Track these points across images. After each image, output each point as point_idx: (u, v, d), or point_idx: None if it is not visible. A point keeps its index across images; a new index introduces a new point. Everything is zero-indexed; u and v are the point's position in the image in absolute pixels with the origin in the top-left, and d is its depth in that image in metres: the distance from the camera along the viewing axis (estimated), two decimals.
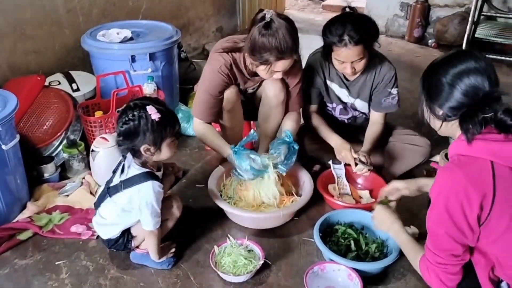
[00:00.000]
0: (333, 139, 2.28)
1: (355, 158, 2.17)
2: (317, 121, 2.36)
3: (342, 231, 1.89)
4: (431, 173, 2.38)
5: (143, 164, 1.67)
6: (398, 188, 1.83)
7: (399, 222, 1.65)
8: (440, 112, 1.37)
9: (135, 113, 1.58)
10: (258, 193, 2.01)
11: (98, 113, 2.37)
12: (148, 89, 2.52)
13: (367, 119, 2.43)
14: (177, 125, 1.67)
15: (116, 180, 1.69)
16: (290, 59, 1.92)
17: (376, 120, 2.33)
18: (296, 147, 2.08)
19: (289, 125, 2.22)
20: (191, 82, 3.05)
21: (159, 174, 1.73)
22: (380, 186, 2.17)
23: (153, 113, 1.57)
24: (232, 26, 4.76)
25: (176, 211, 1.83)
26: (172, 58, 2.72)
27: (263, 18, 1.85)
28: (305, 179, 2.13)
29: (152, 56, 2.55)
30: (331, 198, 2.10)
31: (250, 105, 2.33)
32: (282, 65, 1.92)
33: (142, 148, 1.61)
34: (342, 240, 1.85)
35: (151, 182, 1.63)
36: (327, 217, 1.93)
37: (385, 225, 1.68)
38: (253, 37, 1.87)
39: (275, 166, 2.00)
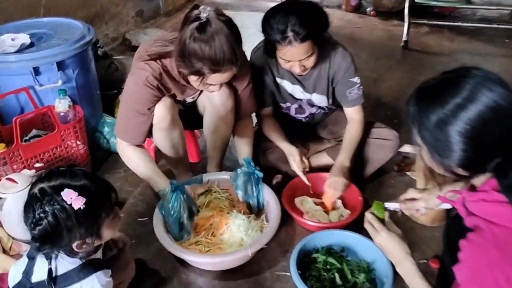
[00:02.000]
0: (283, 147, 1.97)
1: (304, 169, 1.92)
2: (268, 127, 2.03)
3: (322, 261, 1.59)
4: (402, 167, 2.14)
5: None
6: (414, 198, 1.47)
7: (411, 258, 1.25)
8: (459, 170, 1.02)
9: (47, 207, 1.10)
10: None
11: (0, 147, 1.87)
12: (62, 106, 2.04)
13: (325, 113, 2.14)
14: (114, 195, 1.22)
15: (39, 273, 1.21)
16: (229, 72, 1.54)
17: (351, 117, 2.01)
18: (260, 175, 1.77)
19: (245, 146, 1.90)
20: (115, 86, 2.57)
21: (99, 253, 1.31)
22: (352, 192, 1.91)
23: (74, 200, 1.10)
24: (153, 8, 4.23)
25: (131, 271, 1.51)
26: (87, 63, 2.23)
27: (198, 17, 1.46)
28: (269, 198, 1.80)
29: (61, 65, 2.05)
30: (301, 219, 1.80)
31: (192, 112, 1.94)
32: (218, 78, 1.55)
33: (74, 246, 1.17)
34: (325, 273, 1.56)
35: (95, 275, 1.21)
36: (302, 246, 1.62)
37: (393, 258, 1.32)
38: (183, 39, 1.48)
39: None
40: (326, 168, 2.00)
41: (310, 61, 1.78)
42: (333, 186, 1.86)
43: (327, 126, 2.19)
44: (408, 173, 2.13)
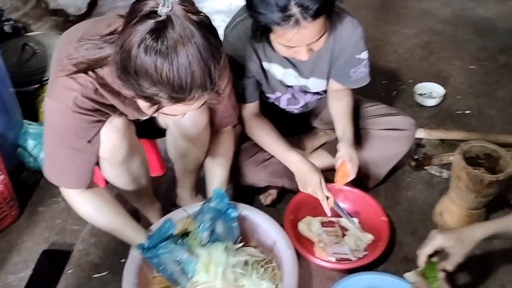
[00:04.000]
0: (292, 162, 1.46)
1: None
2: (257, 131, 1.52)
3: None
4: (421, 162, 1.75)
5: None
6: (441, 247, 1.13)
7: None
8: None
9: None
10: None
11: None
12: None
13: (320, 99, 1.66)
14: None
15: None
16: (198, 102, 0.96)
17: (341, 93, 1.57)
18: (234, 215, 1.30)
19: (219, 169, 1.41)
20: (35, 78, 1.92)
21: None
22: (371, 208, 1.51)
23: None
24: None
25: None
26: None
27: (154, 12, 0.86)
28: (276, 237, 1.33)
29: None
30: (315, 260, 1.37)
31: (149, 122, 1.40)
32: (181, 109, 0.98)
33: None
34: None
35: None
36: None
37: None
38: (127, 48, 0.87)
39: None
40: (329, 170, 1.57)
41: (321, 42, 1.27)
42: (348, 158, 1.43)
43: (320, 112, 1.73)
44: (426, 167, 1.74)
